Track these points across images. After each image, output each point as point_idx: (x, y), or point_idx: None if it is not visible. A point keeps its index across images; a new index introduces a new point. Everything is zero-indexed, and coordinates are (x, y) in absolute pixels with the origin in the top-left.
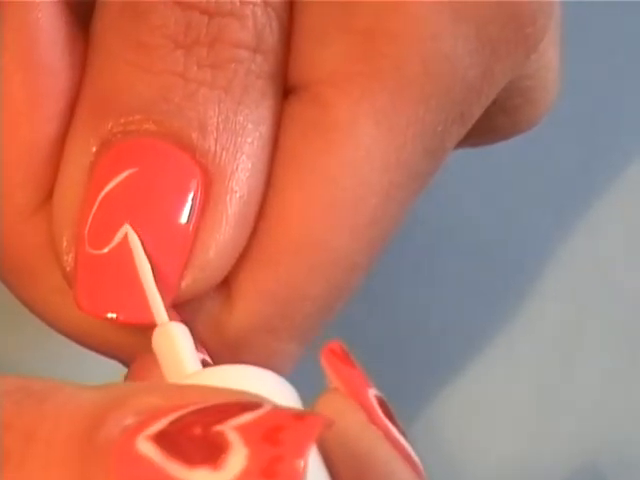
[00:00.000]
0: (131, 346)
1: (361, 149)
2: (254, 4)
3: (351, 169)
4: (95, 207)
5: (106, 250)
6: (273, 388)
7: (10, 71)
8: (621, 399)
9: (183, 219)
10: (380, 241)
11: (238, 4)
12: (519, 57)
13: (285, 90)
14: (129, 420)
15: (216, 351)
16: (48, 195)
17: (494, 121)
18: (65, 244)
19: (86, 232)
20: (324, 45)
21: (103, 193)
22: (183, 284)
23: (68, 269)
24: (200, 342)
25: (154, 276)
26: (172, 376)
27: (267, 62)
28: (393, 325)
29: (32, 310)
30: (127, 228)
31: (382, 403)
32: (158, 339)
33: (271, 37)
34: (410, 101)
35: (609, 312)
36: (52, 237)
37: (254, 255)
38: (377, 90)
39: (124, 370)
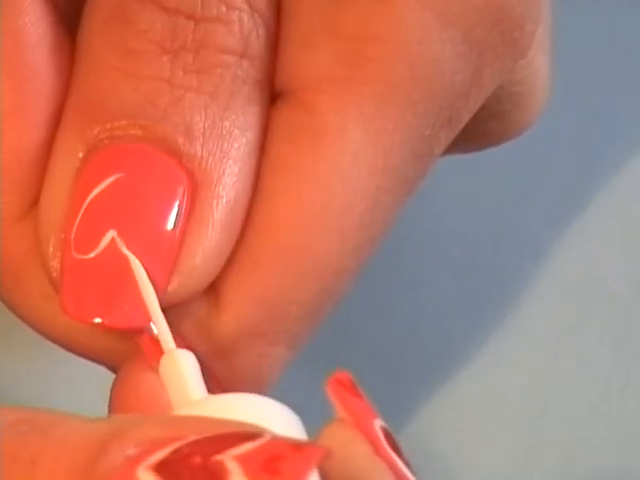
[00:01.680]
0: (119, 352)
1: (349, 154)
2: (240, 10)
3: (339, 174)
4: (81, 212)
5: (92, 255)
6: (275, 417)
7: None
8: (615, 407)
9: (169, 225)
10: (369, 245)
11: (225, 9)
12: (507, 61)
13: (272, 95)
14: (130, 451)
15: (205, 356)
16: (34, 201)
17: (483, 126)
18: (51, 250)
19: (72, 237)
20: (311, 50)
21: (89, 198)
22: (169, 289)
23: (54, 275)
24: (188, 347)
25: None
26: (178, 404)
27: (254, 67)
28: (385, 332)
29: (20, 316)
30: (128, 254)
31: (388, 435)
32: (165, 366)
33: (257, 42)
34: (397, 106)
35: (604, 318)
36: (38, 243)
37: (242, 260)
38: (364, 95)
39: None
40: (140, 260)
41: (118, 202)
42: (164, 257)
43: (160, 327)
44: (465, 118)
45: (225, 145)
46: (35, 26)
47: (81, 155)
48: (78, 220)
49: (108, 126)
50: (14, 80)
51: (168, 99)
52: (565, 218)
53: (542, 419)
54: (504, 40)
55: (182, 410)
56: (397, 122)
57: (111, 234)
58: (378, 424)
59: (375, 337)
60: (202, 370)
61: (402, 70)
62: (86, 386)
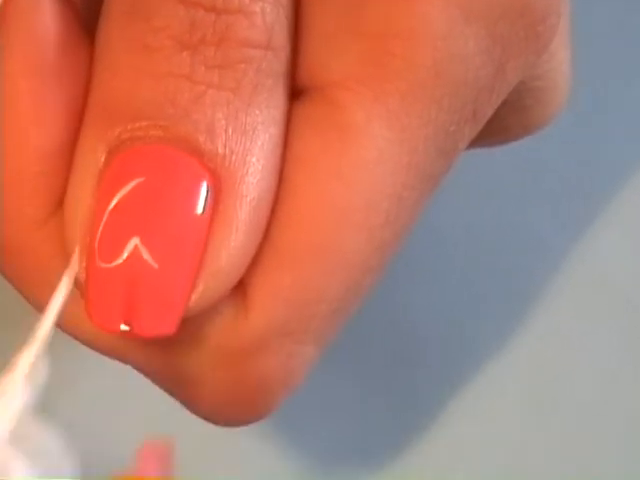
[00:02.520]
0: (144, 356)
1: (374, 151)
2: (263, 0)
3: (365, 171)
4: (104, 220)
5: (116, 263)
6: None
7: (16, 77)
8: (625, 403)
9: (192, 227)
10: (394, 242)
11: (247, 0)
12: (530, 56)
13: (293, 90)
14: None
15: (233, 356)
16: (59, 204)
17: (504, 122)
18: (77, 255)
19: (96, 245)
20: (336, 48)
21: (111, 205)
22: (195, 294)
23: (81, 280)
24: (217, 346)
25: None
26: None
27: (277, 60)
28: (391, 327)
29: None
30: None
31: None
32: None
33: (281, 34)
34: (422, 102)
35: (611, 321)
36: (65, 248)
37: (268, 258)
38: (389, 92)
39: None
40: (163, 267)
41: (140, 209)
42: (188, 262)
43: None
44: (489, 112)
45: (248, 142)
46: (55, 24)
47: (103, 158)
48: (101, 228)
49: (129, 127)
50: (34, 81)
51: (188, 96)
52: (574, 215)
53: (549, 415)
54: (527, 34)
55: None
56: (422, 119)
57: (134, 241)
58: None
59: (382, 333)
60: None
61: (426, 66)
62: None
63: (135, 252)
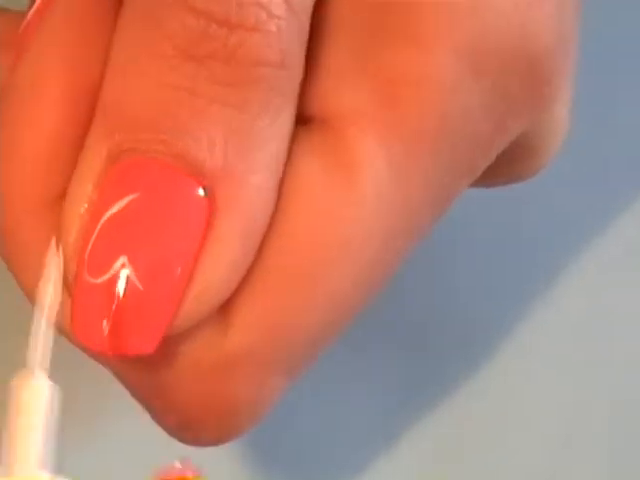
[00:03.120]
0: (122, 364)
1: (372, 193)
2: (281, 18)
3: (360, 211)
4: (96, 233)
5: (102, 280)
6: None
7: (50, 57)
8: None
9: (182, 250)
10: (377, 282)
11: (265, 17)
12: (533, 115)
13: (302, 115)
14: None
15: (208, 371)
16: (63, 192)
17: (494, 169)
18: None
19: (86, 257)
20: (350, 84)
21: (104, 218)
22: (179, 316)
23: (69, 288)
24: (194, 360)
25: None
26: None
27: (288, 80)
28: (405, 319)
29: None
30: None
31: None
32: (17, 392)
33: (295, 55)
34: (423, 152)
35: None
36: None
37: (255, 281)
38: (395, 137)
39: None
40: (149, 288)
41: (131, 228)
42: (176, 284)
43: (36, 341)
44: (484, 166)
45: (248, 162)
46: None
47: (103, 164)
48: (92, 241)
49: (131, 136)
50: (64, 65)
51: (189, 111)
52: (583, 210)
53: (563, 413)
54: (533, 94)
55: None
56: (420, 167)
57: (122, 260)
58: None
59: (395, 327)
60: None
61: (432, 117)
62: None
63: (121, 271)
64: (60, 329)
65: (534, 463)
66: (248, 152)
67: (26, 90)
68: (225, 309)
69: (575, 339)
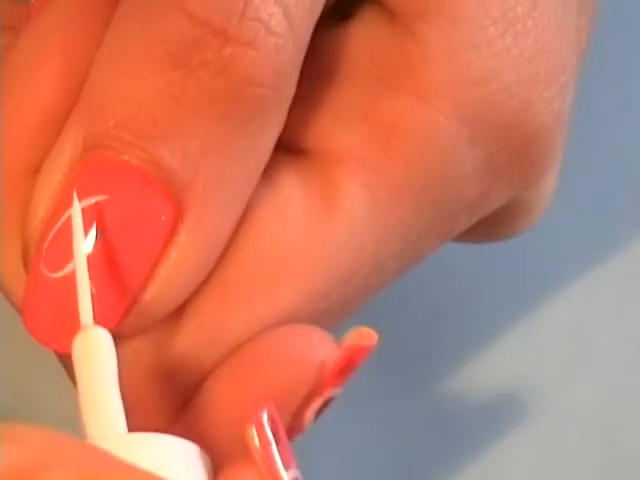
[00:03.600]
0: None
1: (348, 233)
2: (279, 36)
3: (331, 248)
4: (58, 225)
5: (56, 275)
6: (185, 460)
7: (49, 37)
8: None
9: (141, 257)
10: (329, 319)
11: (264, 33)
12: (519, 188)
13: (292, 144)
14: None
15: (150, 364)
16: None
17: (475, 229)
18: (32, 232)
19: (44, 248)
20: (346, 124)
21: (67, 214)
22: (128, 321)
23: (27, 255)
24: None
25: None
26: (85, 393)
27: (276, 100)
28: (412, 320)
29: None
30: (74, 200)
31: None
32: (78, 347)
33: (288, 76)
34: (404, 204)
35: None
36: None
37: (210, 290)
38: (380, 183)
39: None
40: (102, 291)
41: (90, 230)
42: (129, 291)
43: (82, 297)
44: (464, 228)
45: (221, 176)
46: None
47: (78, 153)
48: (53, 233)
49: (111, 133)
50: (68, 40)
51: (170, 120)
52: (588, 207)
53: (570, 410)
54: (522, 170)
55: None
56: (398, 218)
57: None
58: (291, 476)
59: (402, 328)
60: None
61: (420, 172)
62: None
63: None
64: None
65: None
66: (220, 167)
67: (24, 64)
68: (179, 310)
69: (574, 343)
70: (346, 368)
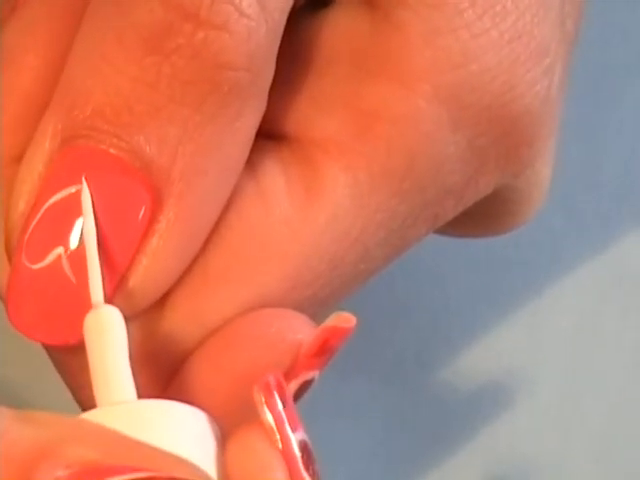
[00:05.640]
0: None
1: (329, 215)
2: (251, 18)
3: (314, 231)
4: (38, 217)
5: (37, 267)
6: (196, 426)
7: (33, 25)
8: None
9: (120, 247)
10: (315, 304)
11: (236, 16)
12: (507, 174)
13: (274, 131)
14: (60, 472)
15: (135, 346)
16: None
17: (469, 221)
18: (15, 221)
19: (25, 239)
20: (327, 110)
21: (48, 203)
22: (115, 304)
23: (10, 246)
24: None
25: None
26: (97, 372)
27: (252, 83)
28: (408, 326)
29: None
30: (83, 185)
31: (305, 449)
32: (89, 325)
33: (263, 58)
34: (387, 189)
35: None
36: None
37: (194, 274)
38: (362, 168)
39: None
40: (82, 281)
41: (72, 219)
42: (109, 282)
43: (93, 277)
44: (451, 216)
45: (199, 163)
46: None
47: (56, 143)
48: (33, 225)
49: (88, 122)
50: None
51: (146, 107)
52: (581, 206)
53: (567, 407)
54: (509, 154)
55: (105, 411)
56: (382, 204)
57: (58, 251)
58: (299, 437)
59: (398, 331)
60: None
61: (402, 156)
62: None
63: (56, 262)
64: None
65: None
66: (199, 153)
67: (8, 54)
68: (162, 297)
69: (574, 349)
70: (322, 350)
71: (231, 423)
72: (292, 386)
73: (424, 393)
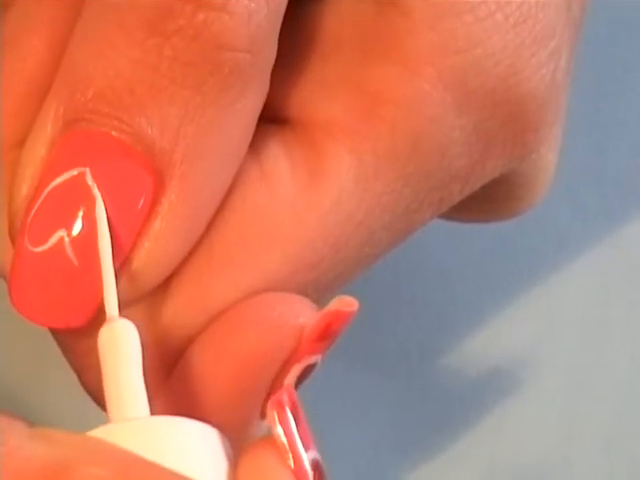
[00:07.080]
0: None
1: (334, 199)
2: (252, 0)
3: (318, 215)
4: (41, 199)
5: (39, 250)
6: (207, 444)
7: (35, 9)
8: None
9: (122, 229)
10: (318, 287)
11: None
12: (513, 158)
13: (278, 114)
14: None
15: (145, 331)
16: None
17: (475, 205)
18: (18, 207)
19: (28, 222)
20: (331, 93)
21: (51, 186)
22: (118, 288)
23: (12, 229)
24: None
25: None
26: (110, 385)
27: (254, 64)
28: (414, 318)
29: None
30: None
31: (317, 468)
32: (104, 339)
33: (264, 39)
34: (392, 172)
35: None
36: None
37: (197, 258)
38: (367, 151)
39: None
40: (85, 265)
41: (74, 202)
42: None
43: (108, 290)
44: (456, 200)
45: (201, 145)
46: None
47: (59, 127)
48: (35, 208)
49: (90, 105)
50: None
51: (148, 89)
52: (586, 197)
53: (572, 397)
54: (515, 139)
55: (117, 427)
56: (387, 186)
57: (60, 234)
58: (311, 456)
59: (402, 322)
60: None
61: (407, 139)
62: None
63: (59, 244)
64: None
65: None
66: (200, 135)
67: (12, 37)
68: (169, 278)
69: (576, 346)
70: (325, 334)
71: (234, 407)
72: (295, 370)
73: (429, 384)
